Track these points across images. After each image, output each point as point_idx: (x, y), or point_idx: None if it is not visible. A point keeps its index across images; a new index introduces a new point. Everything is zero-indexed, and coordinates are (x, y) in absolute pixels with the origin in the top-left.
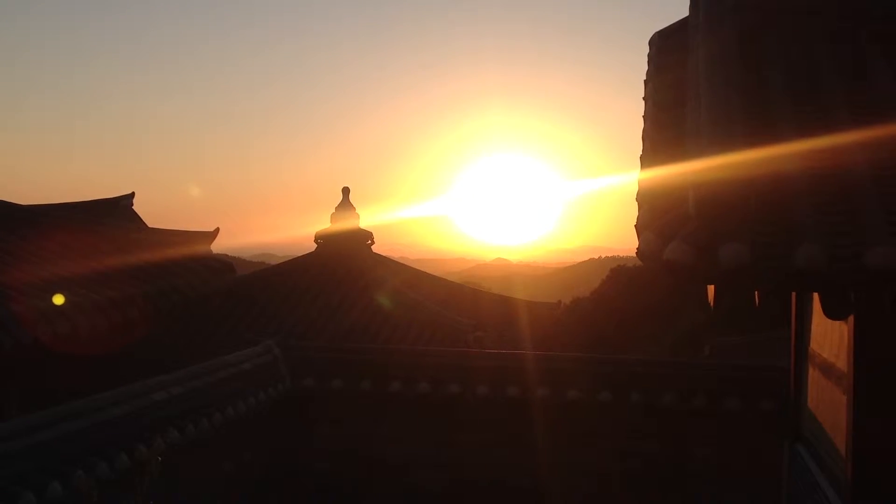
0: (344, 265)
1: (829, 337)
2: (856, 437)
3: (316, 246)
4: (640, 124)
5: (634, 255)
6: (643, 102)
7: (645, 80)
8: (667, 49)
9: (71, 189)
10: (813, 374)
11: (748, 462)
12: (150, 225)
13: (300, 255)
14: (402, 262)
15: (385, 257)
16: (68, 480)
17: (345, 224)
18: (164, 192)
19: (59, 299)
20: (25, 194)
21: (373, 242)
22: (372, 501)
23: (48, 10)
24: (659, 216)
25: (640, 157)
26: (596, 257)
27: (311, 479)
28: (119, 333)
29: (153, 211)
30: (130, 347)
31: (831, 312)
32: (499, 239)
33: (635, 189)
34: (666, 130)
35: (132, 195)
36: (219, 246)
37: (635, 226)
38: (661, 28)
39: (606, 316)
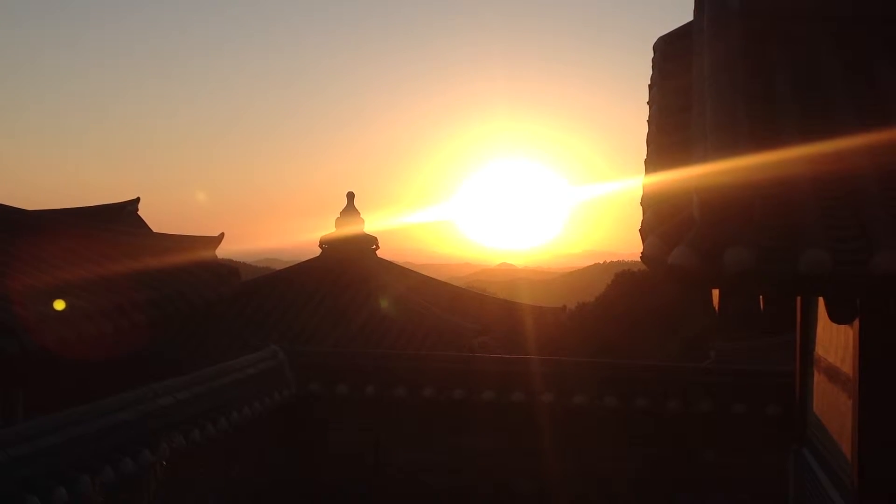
0: (349, 270)
1: (835, 341)
2: (861, 441)
3: (321, 251)
4: (645, 129)
5: (639, 259)
6: (648, 107)
7: (649, 85)
8: (671, 54)
9: (76, 194)
10: (818, 379)
11: (753, 467)
12: (155, 230)
13: (305, 259)
14: (406, 266)
15: (390, 262)
16: (74, 485)
17: (350, 229)
18: (169, 198)
19: (63, 305)
20: (30, 200)
21: (377, 247)
22: None
23: (52, 14)
24: (663, 221)
25: (645, 162)
26: (601, 262)
27: (316, 484)
28: (124, 339)
29: (158, 216)
30: (136, 352)
31: (836, 317)
32: (504, 244)
33: (640, 194)
34: (670, 135)
35: (137, 200)
36: (224, 251)
37: (640, 230)
38: (665, 33)
39: (611, 321)
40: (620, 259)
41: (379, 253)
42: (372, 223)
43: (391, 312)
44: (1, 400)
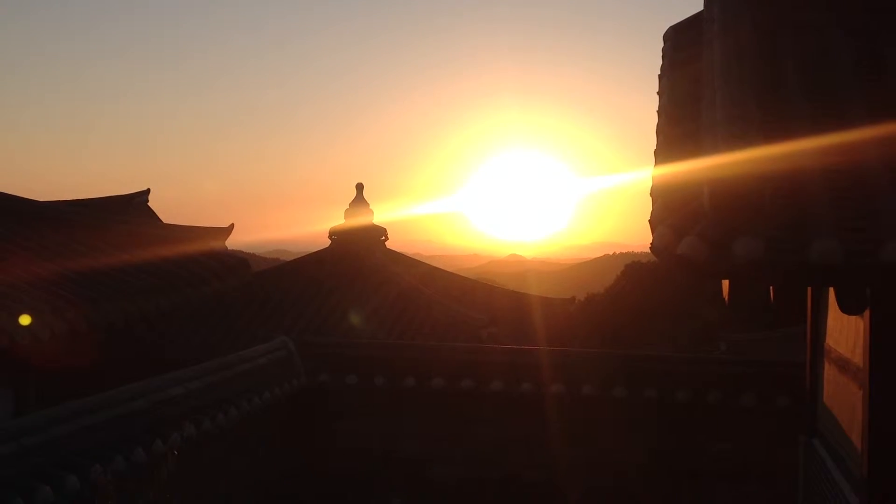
0: (358, 261)
1: (845, 332)
2: (872, 432)
3: (330, 242)
4: (655, 120)
5: (649, 250)
6: (657, 97)
7: (659, 75)
8: (681, 44)
9: (86, 186)
10: (829, 370)
11: (764, 458)
12: (165, 221)
13: (314, 250)
14: (415, 258)
15: (399, 253)
16: (85, 474)
17: (359, 220)
18: (179, 189)
19: (72, 295)
20: (41, 191)
21: (387, 238)
22: (386, 496)
23: (62, 8)
24: (673, 211)
25: (655, 153)
26: (610, 253)
27: (325, 474)
28: (134, 329)
29: (168, 207)
30: (147, 343)
31: (847, 307)
32: (513, 235)
33: (649, 184)
34: (680, 125)
35: (147, 191)
36: (234, 242)
37: (649, 221)
38: (675, 23)
39: (621, 312)
40: (630, 250)
41: (388, 244)
42: (381, 214)
43: (400, 303)
44: (13, 390)
